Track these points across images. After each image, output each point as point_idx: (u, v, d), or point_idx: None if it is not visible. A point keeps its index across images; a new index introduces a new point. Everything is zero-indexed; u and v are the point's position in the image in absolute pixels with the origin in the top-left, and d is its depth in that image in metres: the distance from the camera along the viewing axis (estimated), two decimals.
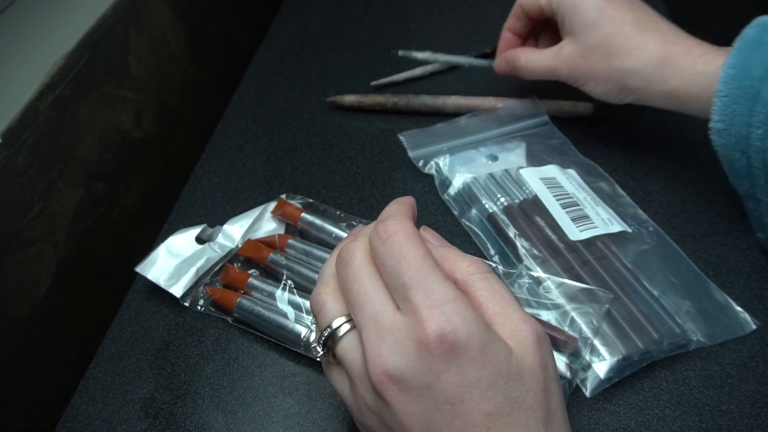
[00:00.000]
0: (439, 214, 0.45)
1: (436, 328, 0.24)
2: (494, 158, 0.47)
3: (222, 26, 0.69)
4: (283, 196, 0.46)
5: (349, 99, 0.54)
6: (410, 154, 0.48)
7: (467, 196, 0.45)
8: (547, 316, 0.36)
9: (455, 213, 0.45)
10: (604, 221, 0.41)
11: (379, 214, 0.29)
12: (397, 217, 0.28)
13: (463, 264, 0.27)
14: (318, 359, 0.29)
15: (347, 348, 0.27)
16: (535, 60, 0.47)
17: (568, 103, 0.52)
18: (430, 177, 0.47)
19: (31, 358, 0.41)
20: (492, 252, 0.41)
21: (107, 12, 0.48)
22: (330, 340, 0.27)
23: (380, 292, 0.26)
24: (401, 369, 0.24)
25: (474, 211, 0.44)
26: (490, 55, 0.59)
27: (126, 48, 0.51)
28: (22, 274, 0.39)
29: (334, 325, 0.27)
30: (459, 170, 0.46)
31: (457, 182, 0.46)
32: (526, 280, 0.38)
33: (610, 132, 0.51)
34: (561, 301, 0.37)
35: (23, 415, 0.40)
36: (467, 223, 0.44)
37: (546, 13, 0.46)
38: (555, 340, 0.35)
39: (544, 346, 0.26)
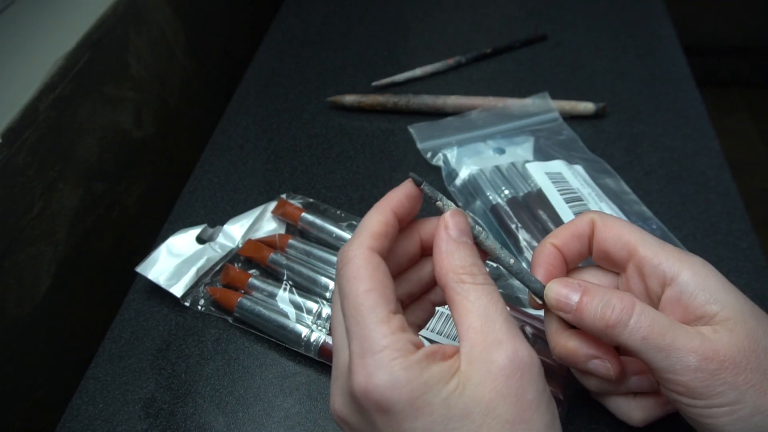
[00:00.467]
0: None
1: (361, 383, 0.23)
2: (501, 151, 0.47)
3: (222, 26, 0.69)
4: (284, 196, 0.46)
5: (349, 99, 0.54)
6: (419, 145, 0.49)
7: (472, 188, 0.45)
8: None
9: (460, 204, 0.45)
10: None
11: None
12: (357, 239, 0.25)
13: (458, 268, 0.25)
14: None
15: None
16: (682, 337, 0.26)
17: (568, 102, 0.52)
18: (437, 169, 0.48)
19: (31, 358, 0.41)
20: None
21: (107, 12, 0.48)
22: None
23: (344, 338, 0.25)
24: (346, 414, 0.24)
25: (478, 202, 0.44)
26: (490, 56, 0.59)
27: (126, 48, 0.51)
28: (22, 274, 0.39)
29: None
30: (466, 162, 0.46)
31: (464, 174, 0.46)
32: None
33: (611, 132, 0.51)
34: None
35: (23, 415, 0.40)
36: (471, 214, 0.44)
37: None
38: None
39: (519, 374, 0.23)
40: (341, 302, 0.25)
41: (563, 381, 0.34)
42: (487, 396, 0.22)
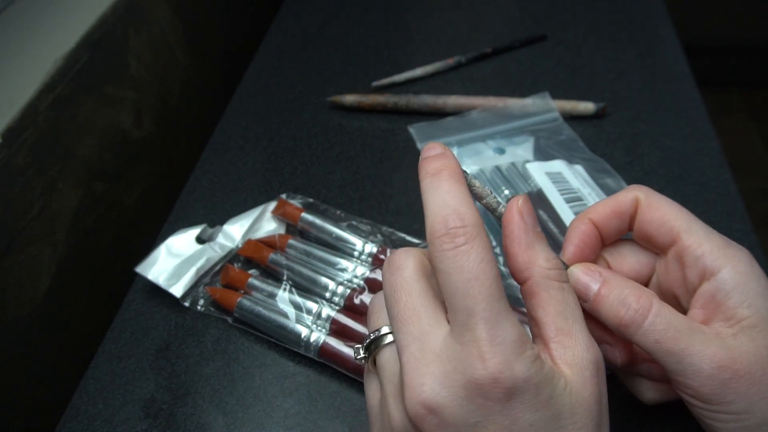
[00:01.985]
0: None
1: (495, 369, 0.21)
2: (501, 151, 0.47)
3: (222, 26, 0.69)
4: (284, 196, 0.46)
5: (350, 99, 0.54)
6: (419, 145, 0.49)
7: None
8: None
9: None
10: None
11: (433, 202, 0.24)
12: (476, 221, 0.23)
13: (544, 262, 0.24)
14: (359, 362, 0.27)
15: (389, 358, 0.25)
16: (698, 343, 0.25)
17: (568, 102, 0.52)
18: None
19: (31, 358, 0.41)
20: (494, 243, 0.42)
21: (107, 12, 0.48)
22: (374, 345, 0.26)
23: (432, 311, 0.23)
24: (444, 404, 0.22)
25: (478, 203, 0.44)
26: (490, 56, 0.59)
27: (126, 48, 0.51)
28: (22, 274, 0.39)
29: (383, 330, 0.26)
30: (466, 162, 0.46)
31: None
32: None
33: (611, 132, 0.51)
34: None
35: (23, 415, 0.40)
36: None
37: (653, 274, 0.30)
38: None
39: (602, 375, 0.23)
40: (456, 283, 0.22)
41: None
42: (588, 399, 0.23)
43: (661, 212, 0.28)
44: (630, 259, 0.29)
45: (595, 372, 0.23)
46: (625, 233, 0.29)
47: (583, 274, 0.27)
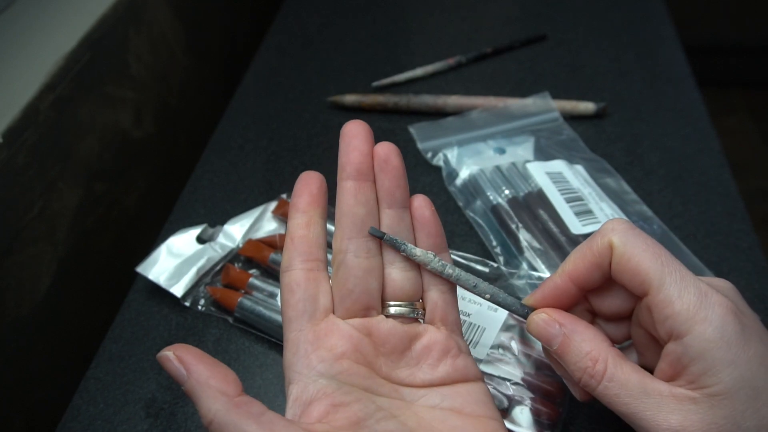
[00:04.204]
0: (445, 206, 0.46)
1: None
2: (502, 151, 0.47)
3: (222, 26, 0.69)
4: (284, 196, 0.46)
5: (350, 99, 0.54)
6: (419, 145, 0.49)
7: (473, 188, 0.45)
8: None
9: (460, 204, 0.45)
10: (608, 216, 0.41)
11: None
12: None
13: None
14: None
15: None
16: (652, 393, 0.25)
17: (569, 102, 0.52)
18: (438, 169, 0.48)
19: (31, 358, 0.41)
20: (494, 243, 0.42)
21: (107, 12, 0.48)
22: None
23: None
24: None
25: (479, 202, 0.44)
26: (491, 56, 0.59)
27: (126, 48, 0.51)
28: (22, 274, 0.39)
29: None
30: (466, 162, 0.46)
31: (464, 174, 0.46)
32: (527, 280, 0.38)
33: (611, 132, 0.51)
34: None
35: (23, 415, 0.40)
36: (471, 214, 0.44)
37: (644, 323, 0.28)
38: None
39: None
40: None
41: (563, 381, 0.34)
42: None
43: (633, 263, 0.26)
44: (610, 300, 0.29)
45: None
46: (608, 277, 0.28)
47: (544, 326, 0.28)
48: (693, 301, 0.25)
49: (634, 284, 0.26)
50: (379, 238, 0.27)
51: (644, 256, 0.26)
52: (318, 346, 0.26)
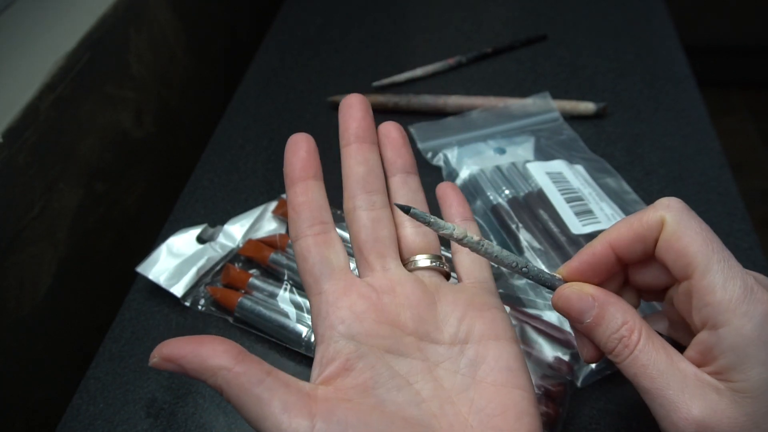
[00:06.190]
0: None
1: None
2: (502, 151, 0.47)
3: (222, 26, 0.69)
4: (284, 196, 0.46)
5: None
6: (419, 145, 0.49)
7: (473, 188, 0.45)
8: (548, 315, 0.36)
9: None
10: (608, 217, 0.41)
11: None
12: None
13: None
14: None
15: None
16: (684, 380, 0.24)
17: (569, 102, 0.52)
18: (438, 169, 0.48)
19: (31, 358, 0.41)
20: (494, 243, 0.42)
21: (107, 12, 0.48)
22: None
23: None
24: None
25: (479, 202, 0.44)
26: (491, 56, 0.59)
27: (126, 48, 0.51)
28: (23, 274, 0.39)
29: None
30: (466, 162, 0.46)
31: (464, 174, 0.46)
32: (527, 280, 0.38)
33: (611, 132, 0.51)
34: None
35: (23, 415, 0.40)
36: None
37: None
38: (556, 339, 0.35)
39: None
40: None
41: (571, 360, 0.34)
42: None
43: (682, 243, 0.24)
44: (641, 277, 0.27)
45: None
46: (652, 255, 0.26)
47: (577, 300, 0.26)
48: (737, 293, 0.23)
49: (678, 265, 0.25)
50: (405, 212, 0.26)
51: (695, 239, 0.24)
52: (338, 306, 0.26)
